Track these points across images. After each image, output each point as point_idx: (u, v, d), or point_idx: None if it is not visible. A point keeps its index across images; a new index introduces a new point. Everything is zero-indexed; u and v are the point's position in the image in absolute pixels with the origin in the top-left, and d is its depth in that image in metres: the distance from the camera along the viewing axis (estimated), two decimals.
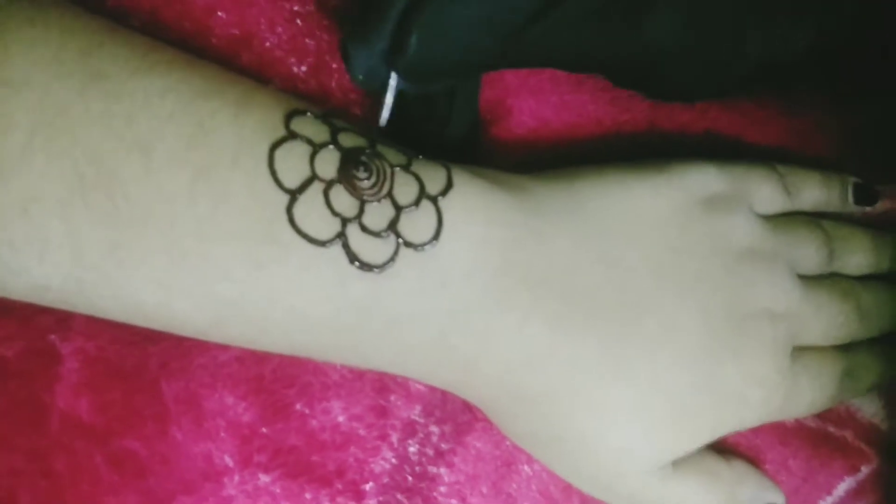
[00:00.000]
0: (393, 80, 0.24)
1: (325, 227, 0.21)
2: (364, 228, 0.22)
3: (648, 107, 0.29)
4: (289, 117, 0.22)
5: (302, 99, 0.24)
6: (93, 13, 0.22)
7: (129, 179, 0.20)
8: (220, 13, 0.26)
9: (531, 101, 0.28)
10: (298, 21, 0.26)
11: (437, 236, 0.22)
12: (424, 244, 0.22)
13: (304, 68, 0.26)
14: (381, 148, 0.23)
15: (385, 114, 0.24)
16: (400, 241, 0.22)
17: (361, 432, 0.27)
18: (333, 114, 0.23)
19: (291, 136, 0.22)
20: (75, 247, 0.20)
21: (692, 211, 0.26)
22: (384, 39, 0.23)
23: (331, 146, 0.22)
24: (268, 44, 0.26)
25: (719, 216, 0.26)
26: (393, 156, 0.23)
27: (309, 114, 0.23)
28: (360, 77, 0.24)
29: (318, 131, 0.22)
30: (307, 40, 0.26)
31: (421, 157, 0.23)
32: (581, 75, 0.29)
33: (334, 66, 0.27)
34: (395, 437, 0.28)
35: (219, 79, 0.22)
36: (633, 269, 0.25)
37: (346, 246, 0.22)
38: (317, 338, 0.23)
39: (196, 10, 0.26)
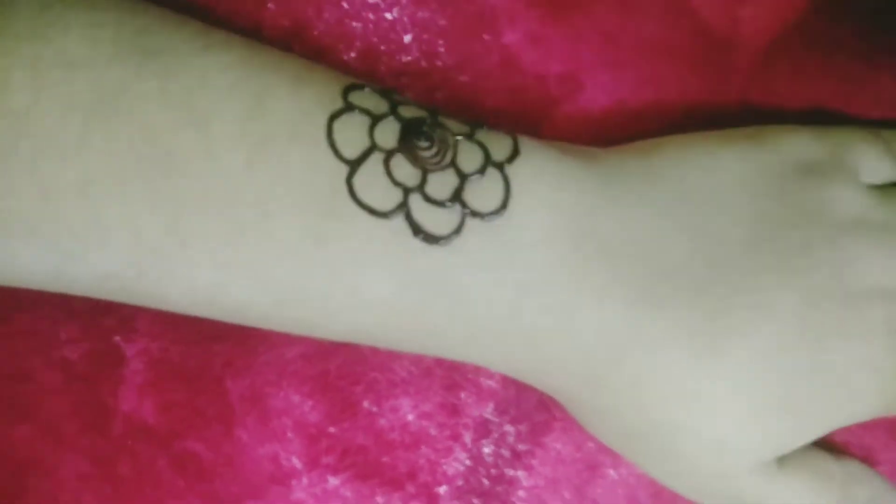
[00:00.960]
0: None
1: (386, 197, 0.21)
2: (427, 198, 0.21)
3: (741, 78, 0.27)
4: (347, 90, 0.22)
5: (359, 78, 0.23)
6: None
7: (187, 155, 0.20)
8: (270, 5, 0.26)
9: (606, 75, 0.27)
10: (344, 4, 0.26)
11: (504, 204, 0.21)
12: (492, 213, 0.21)
13: (352, 54, 0.26)
14: (442, 119, 0.22)
15: None
16: (466, 210, 0.21)
17: (432, 432, 0.26)
18: (391, 90, 0.23)
19: (349, 107, 0.21)
20: (134, 228, 0.20)
21: (788, 178, 0.24)
22: None
23: (390, 117, 0.21)
24: (316, 32, 0.26)
25: (820, 183, 0.24)
26: (455, 126, 0.22)
27: (367, 88, 0.22)
28: None
29: (378, 104, 0.22)
30: (354, 23, 0.26)
31: (485, 126, 0.22)
32: (664, 42, 0.27)
33: (382, 48, 0.26)
34: (467, 437, 0.26)
35: (275, 56, 0.22)
36: (724, 240, 0.23)
37: (408, 217, 0.21)
38: (381, 319, 0.22)
39: (248, 4, 0.26)
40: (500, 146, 0.22)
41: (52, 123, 0.19)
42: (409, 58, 0.27)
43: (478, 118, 0.23)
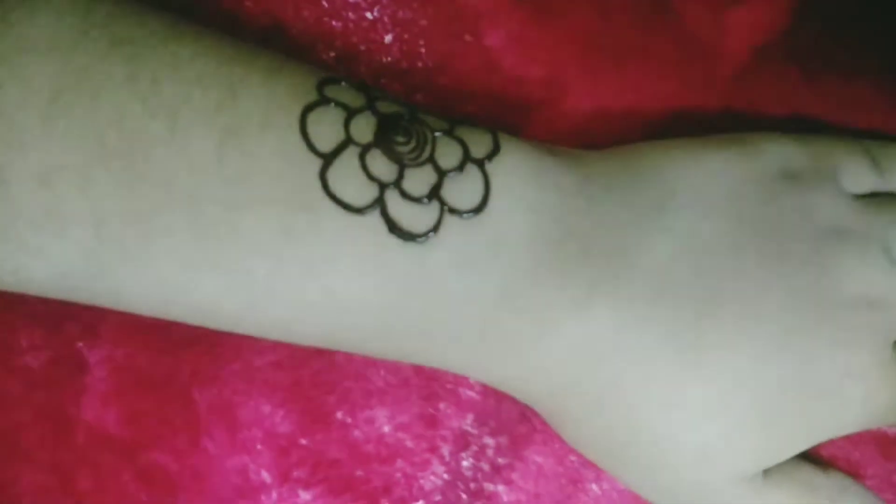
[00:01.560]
0: None
1: (361, 192, 0.20)
2: (404, 194, 0.20)
3: (724, 86, 0.27)
4: (322, 84, 0.21)
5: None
6: None
7: (153, 142, 0.19)
8: (247, 2, 0.25)
9: (588, 80, 0.26)
10: (324, 2, 0.25)
11: (484, 202, 0.20)
12: (471, 211, 0.20)
13: (332, 54, 0.25)
14: (421, 115, 0.21)
15: None
16: (444, 208, 0.20)
17: (409, 444, 0.25)
18: (369, 85, 0.22)
19: (325, 100, 0.20)
20: (96, 219, 0.19)
21: (772, 184, 0.24)
22: None
23: (367, 111, 0.21)
24: (295, 31, 0.25)
25: (803, 191, 0.24)
26: (434, 122, 0.21)
27: (343, 83, 0.21)
28: None
29: (354, 98, 0.21)
30: (334, 22, 0.25)
31: (466, 123, 0.22)
32: (648, 48, 0.27)
33: (362, 48, 0.25)
34: (446, 450, 0.25)
35: (248, 48, 0.21)
36: (707, 245, 0.22)
37: (384, 213, 0.20)
38: (355, 320, 0.21)
39: (224, 1, 0.25)
40: (480, 143, 0.21)
41: (12, 109, 0.19)
42: (390, 58, 0.26)
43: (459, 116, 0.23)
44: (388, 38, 0.26)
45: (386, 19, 0.26)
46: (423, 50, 0.26)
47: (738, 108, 0.27)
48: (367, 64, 0.26)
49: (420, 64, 0.26)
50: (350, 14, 0.26)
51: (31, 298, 0.21)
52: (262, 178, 0.19)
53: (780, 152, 0.24)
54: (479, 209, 0.20)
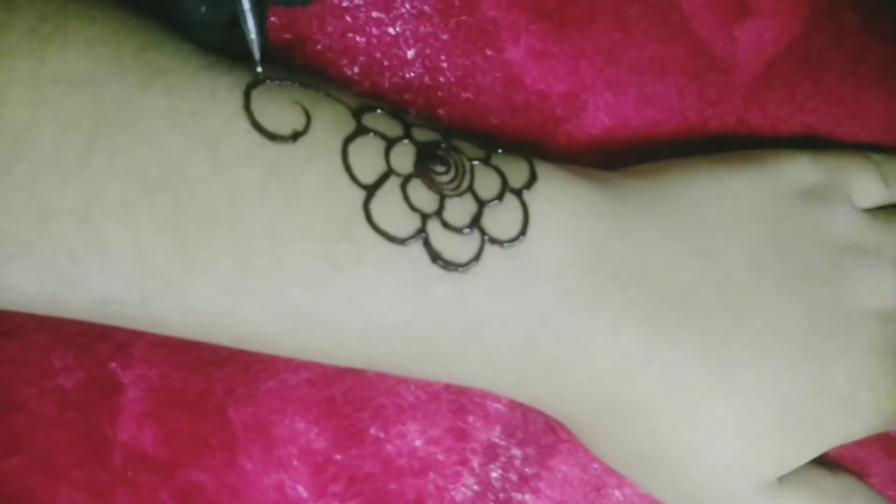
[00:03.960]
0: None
1: (404, 223, 0.20)
2: (445, 224, 0.20)
3: (739, 98, 0.28)
4: (359, 112, 0.21)
5: (370, 97, 0.23)
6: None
7: (197, 177, 0.19)
8: (272, 18, 0.25)
9: (608, 94, 0.27)
10: (348, 17, 0.25)
11: (523, 231, 0.21)
12: (511, 240, 0.21)
13: (356, 69, 0.25)
14: (456, 142, 0.22)
15: (253, 35, 0.20)
16: (485, 237, 0.20)
17: (440, 457, 0.25)
18: (402, 110, 0.22)
19: (364, 130, 0.20)
20: (139, 252, 0.19)
21: (790, 203, 0.24)
22: None
23: (405, 140, 0.21)
24: (319, 46, 0.25)
25: (818, 208, 0.25)
26: (470, 149, 0.22)
27: (379, 110, 0.21)
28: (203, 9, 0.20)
29: (391, 126, 0.21)
30: (357, 37, 0.25)
31: (500, 150, 0.22)
32: (665, 61, 0.27)
33: (385, 63, 0.26)
34: (475, 462, 0.26)
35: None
36: (732, 265, 0.23)
37: (427, 243, 0.20)
38: (395, 346, 0.21)
39: None
40: (516, 171, 0.22)
41: (51, 142, 0.19)
42: (412, 73, 0.26)
43: (489, 139, 0.23)
44: (410, 54, 0.26)
45: (408, 34, 0.26)
46: (444, 64, 0.26)
47: (754, 121, 0.28)
48: (390, 79, 0.26)
49: (442, 79, 0.26)
50: (373, 29, 0.26)
51: (63, 319, 0.21)
52: (306, 211, 0.20)
53: (796, 170, 0.25)
54: (518, 238, 0.21)
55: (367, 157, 0.20)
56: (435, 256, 0.20)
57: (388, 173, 0.20)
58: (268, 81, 0.20)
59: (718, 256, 0.23)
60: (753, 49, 0.28)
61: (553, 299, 0.21)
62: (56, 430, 0.24)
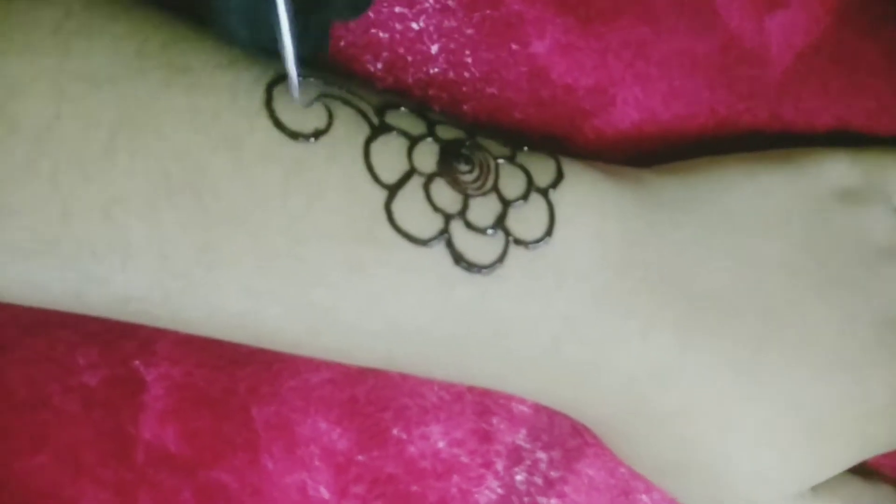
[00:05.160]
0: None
1: (426, 224, 0.20)
2: (469, 225, 0.20)
3: (772, 92, 0.27)
4: (382, 110, 0.21)
5: (393, 94, 0.22)
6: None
7: (219, 176, 0.19)
8: None
9: (636, 89, 0.26)
10: (370, 13, 0.25)
11: (549, 232, 0.20)
12: (536, 241, 0.20)
13: (379, 65, 0.25)
14: (481, 140, 0.21)
15: (290, 61, 0.19)
16: (510, 238, 0.20)
17: (464, 459, 0.25)
18: (426, 107, 0.22)
19: (386, 129, 0.20)
20: (161, 251, 0.19)
21: (828, 205, 0.23)
22: None
23: (429, 139, 0.20)
24: (343, 42, 0.25)
25: (857, 211, 0.24)
26: (495, 147, 0.21)
27: (402, 108, 0.21)
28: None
29: (414, 124, 0.21)
30: (381, 33, 0.25)
31: (526, 148, 0.22)
32: (695, 54, 0.26)
33: (409, 58, 0.25)
34: (500, 465, 0.25)
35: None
36: (766, 268, 0.22)
37: (450, 244, 0.20)
38: (418, 348, 0.21)
39: None
40: (542, 170, 0.21)
41: (74, 139, 0.19)
42: (437, 69, 0.26)
43: (515, 136, 0.22)
44: (434, 49, 0.26)
45: (432, 29, 0.26)
46: (469, 59, 0.26)
47: (786, 116, 0.27)
48: (414, 75, 0.26)
49: (467, 74, 0.26)
50: (396, 24, 0.26)
51: (87, 317, 0.21)
52: (328, 211, 0.19)
53: (834, 170, 0.24)
54: (544, 239, 0.20)
55: (390, 156, 0.20)
56: (458, 258, 0.20)
57: (411, 172, 0.20)
58: None
59: (753, 260, 0.22)
60: (784, 41, 0.27)
61: (580, 302, 0.21)
62: (80, 427, 0.24)
